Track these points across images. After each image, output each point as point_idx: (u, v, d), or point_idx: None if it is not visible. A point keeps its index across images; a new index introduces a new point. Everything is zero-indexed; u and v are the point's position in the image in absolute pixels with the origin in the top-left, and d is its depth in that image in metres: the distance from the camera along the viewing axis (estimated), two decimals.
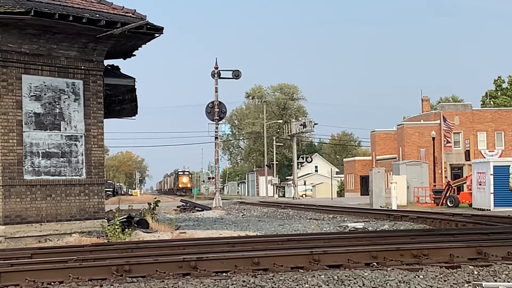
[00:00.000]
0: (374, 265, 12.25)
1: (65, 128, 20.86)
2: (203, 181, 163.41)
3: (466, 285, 10.71)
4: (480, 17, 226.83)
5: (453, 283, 10.85)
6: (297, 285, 10.68)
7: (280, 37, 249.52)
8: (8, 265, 12.10)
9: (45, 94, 20.45)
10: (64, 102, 20.88)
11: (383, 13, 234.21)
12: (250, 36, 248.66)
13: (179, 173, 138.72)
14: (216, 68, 50.79)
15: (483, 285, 9.08)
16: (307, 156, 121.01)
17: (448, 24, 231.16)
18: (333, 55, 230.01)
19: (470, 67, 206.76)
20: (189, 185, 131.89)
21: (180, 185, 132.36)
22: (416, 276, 11.31)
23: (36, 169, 20.17)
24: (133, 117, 28.14)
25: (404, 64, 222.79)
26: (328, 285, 10.70)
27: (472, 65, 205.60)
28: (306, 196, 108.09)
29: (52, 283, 10.92)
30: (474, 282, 10.64)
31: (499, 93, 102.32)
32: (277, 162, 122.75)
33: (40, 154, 20.26)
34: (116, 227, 21.22)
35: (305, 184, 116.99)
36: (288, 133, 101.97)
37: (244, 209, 49.85)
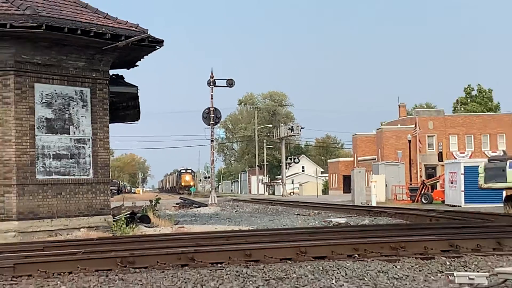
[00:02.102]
0: (356, 256, 12.28)
1: (74, 132, 20.86)
2: (200, 180, 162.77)
3: (439, 274, 10.74)
4: (451, 28, 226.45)
5: (428, 273, 10.88)
6: (286, 275, 10.68)
7: (271, 46, 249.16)
8: (22, 257, 12.09)
9: (55, 101, 20.44)
10: (73, 108, 20.88)
11: (363, 25, 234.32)
12: (243, 44, 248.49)
13: (182, 171, 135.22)
14: (212, 77, 50.83)
15: (455, 275, 9.08)
16: (294, 157, 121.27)
17: (421, 34, 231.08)
18: (319, 64, 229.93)
19: (442, 75, 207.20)
20: (192, 183, 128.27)
21: (182, 183, 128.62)
22: (394, 266, 11.34)
23: (48, 169, 20.15)
24: (136, 122, 28.26)
25: (383, 72, 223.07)
26: (314, 275, 10.70)
27: (444, 73, 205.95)
28: (293, 193, 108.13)
29: (62, 273, 10.92)
30: (446, 272, 10.65)
31: (469, 100, 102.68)
32: (267, 163, 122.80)
33: (51, 156, 20.25)
34: (120, 222, 21.24)
35: (292, 183, 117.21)
36: (277, 136, 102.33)
37: (237, 206, 49.91)
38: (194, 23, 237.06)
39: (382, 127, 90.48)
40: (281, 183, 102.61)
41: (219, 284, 10.15)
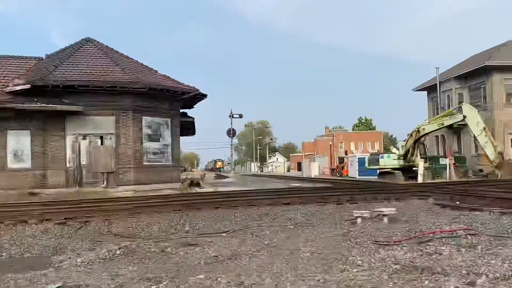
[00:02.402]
0: (304, 203, 12.31)
1: (162, 141, 20.88)
2: (226, 165, 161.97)
3: (345, 212, 10.78)
4: (357, 84, 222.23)
5: (340, 211, 10.91)
6: (268, 212, 10.71)
7: (262, 94, 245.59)
8: (137, 203, 12.11)
9: (152, 125, 20.46)
10: (161, 128, 20.89)
11: (306, 80, 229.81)
12: (248, 93, 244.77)
13: (217, 160, 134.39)
14: (231, 113, 50.60)
15: (354, 212, 9.13)
16: (273, 153, 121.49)
17: (342, 86, 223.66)
18: (285, 104, 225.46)
19: (348, 111, 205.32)
20: (221, 166, 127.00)
21: (217, 166, 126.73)
22: (323, 207, 11.38)
23: (149, 159, 20.17)
24: (193, 136, 28.36)
25: (321, 108, 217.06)
26: (283, 212, 10.74)
27: (349, 110, 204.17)
28: (272, 171, 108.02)
29: (157, 211, 10.97)
30: (349, 211, 10.70)
31: (360, 124, 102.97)
32: (260, 156, 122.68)
33: (150, 153, 20.26)
34: (185, 185, 21.22)
35: (272, 166, 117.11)
36: (264, 143, 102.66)
37: (244, 178, 49.88)
38: (225, 83, 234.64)
39: (317, 138, 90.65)
40: (266, 166, 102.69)
41: (234, 217, 10.18)
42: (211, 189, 22.21)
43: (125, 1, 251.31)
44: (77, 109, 18.47)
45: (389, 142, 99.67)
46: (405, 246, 6.35)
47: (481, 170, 27.83)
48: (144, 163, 19.87)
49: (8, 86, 18.84)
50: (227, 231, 8.45)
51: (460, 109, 24.88)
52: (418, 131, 26.35)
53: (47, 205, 12.33)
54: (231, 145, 53.52)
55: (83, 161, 18.94)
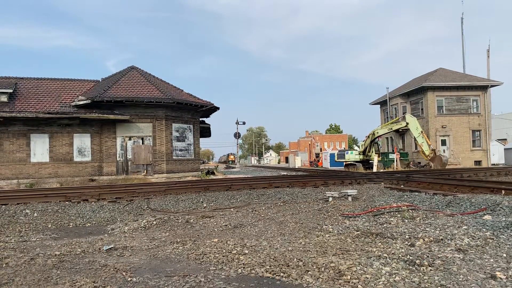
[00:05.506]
0: (290, 186, 12.26)
1: (186, 141, 20.79)
2: (235, 158, 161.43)
3: (320, 193, 10.76)
4: (331, 101, 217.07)
5: (316, 192, 10.89)
6: (264, 193, 10.66)
7: (259, 107, 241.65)
8: (167, 186, 12.02)
9: (179, 130, 20.36)
10: (186, 132, 20.79)
11: (295, 95, 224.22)
12: (250, 106, 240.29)
13: (230, 154, 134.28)
14: (237, 121, 50.52)
15: (326, 193, 9.09)
16: (267, 150, 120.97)
17: (313, 96, 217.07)
18: (277, 112, 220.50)
19: (323, 118, 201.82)
20: (233, 159, 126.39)
21: (229, 159, 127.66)
22: (303, 189, 11.31)
23: (177, 154, 20.07)
24: (209, 137, 28.21)
25: (304, 115, 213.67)
26: (275, 192, 10.69)
27: (324, 118, 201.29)
28: (267, 163, 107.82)
29: (182, 192, 10.89)
30: (323, 192, 10.67)
31: (331, 128, 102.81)
32: (258, 152, 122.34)
33: (178, 150, 20.16)
34: (203, 174, 21.10)
35: (266, 159, 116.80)
36: (261, 143, 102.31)
37: (246, 168, 49.71)
38: (233, 98, 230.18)
39: (299, 138, 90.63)
40: (262, 159, 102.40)
41: (240, 196, 10.14)
42: (222, 176, 22.20)
43: (162, 40, 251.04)
44: (124, 118, 18.42)
45: (352, 141, 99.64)
46: (364, 217, 6.35)
47: (419, 162, 27.87)
48: (173, 157, 19.75)
49: (74, 101, 18.91)
50: (234, 207, 8.45)
51: (404, 118, 24.93)
52: (373, 133, 26.45)
53: (102, 188, 12.30)
54: (237, 144, 53.48)
55: (129, 156, 18.90)
